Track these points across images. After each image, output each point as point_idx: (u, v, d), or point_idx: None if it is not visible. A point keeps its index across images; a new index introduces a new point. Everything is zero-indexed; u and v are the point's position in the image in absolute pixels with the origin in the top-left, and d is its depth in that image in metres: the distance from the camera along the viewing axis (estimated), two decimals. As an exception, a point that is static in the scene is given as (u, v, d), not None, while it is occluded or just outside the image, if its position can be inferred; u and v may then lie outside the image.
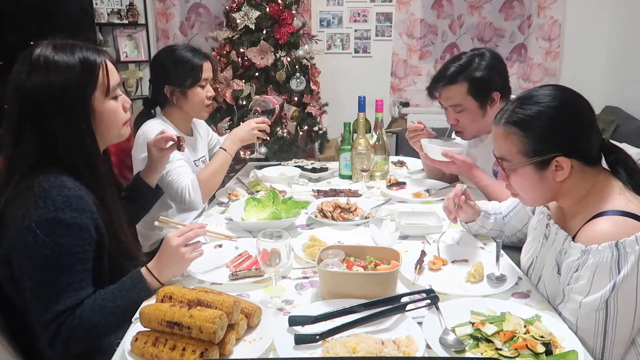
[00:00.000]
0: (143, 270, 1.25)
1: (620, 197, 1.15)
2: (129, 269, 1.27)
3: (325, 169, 2.33)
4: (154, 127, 1.91)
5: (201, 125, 2.31)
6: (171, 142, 1.66)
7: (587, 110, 1.21)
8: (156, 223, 1.38)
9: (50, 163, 1.20)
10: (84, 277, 1.19)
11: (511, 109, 1.21)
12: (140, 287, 1.22)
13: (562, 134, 1.17)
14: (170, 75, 2.00)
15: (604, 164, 1.24)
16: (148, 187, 1.69)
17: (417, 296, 1.15)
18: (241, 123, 2.13)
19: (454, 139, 2.17)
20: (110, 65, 1.26)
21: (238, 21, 3.76)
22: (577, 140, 1.18)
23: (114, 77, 1.27)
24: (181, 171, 1.90)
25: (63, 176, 1.18)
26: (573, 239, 1.17)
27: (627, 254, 1.05)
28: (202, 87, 2.03)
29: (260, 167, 2.36)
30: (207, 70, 2.04)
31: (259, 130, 2.05)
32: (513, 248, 1.59)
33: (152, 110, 2.10)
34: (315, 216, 1.73)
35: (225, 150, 1.99)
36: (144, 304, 1.18)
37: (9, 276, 1.20)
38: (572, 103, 1.20)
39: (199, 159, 2.17)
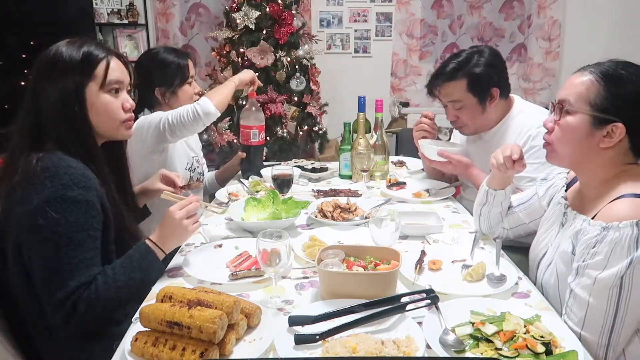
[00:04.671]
0: (148, 242, 1.31)
1: None
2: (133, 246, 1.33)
3: (325, 169, 2.33)
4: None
5: None
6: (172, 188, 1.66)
7: None
8: (162, 195, 1.47)
9: (46, 142, 1.23)
10: (94, 254, 1.22)
11: (607, 63, 1.20)
12: (150, 258, 1.29)
13: (636, 109, 1.16)
14: (159, 77, 2.08)
15: None
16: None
17: (417, 296, 1.15)
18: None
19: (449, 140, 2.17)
20: (114, 63, 1.32)
21: (238, 21, 3.76)
22: None
23: (115, 74, 1.32)
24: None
25: (65, 156, 1.22)
26: (592, 219, 1.17)
27: None
28: (190, 84, 2.14)
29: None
30: (191, 67, 2.15)
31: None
32: (513, 248, 1.59)
33: (140, 114, 2.12)
34: (315, 216, 1.73)
35: None
36: (144, 304, 1.19)
37: (17, 262, 1.20)
38: None
39: (192, 158, 2.21)
